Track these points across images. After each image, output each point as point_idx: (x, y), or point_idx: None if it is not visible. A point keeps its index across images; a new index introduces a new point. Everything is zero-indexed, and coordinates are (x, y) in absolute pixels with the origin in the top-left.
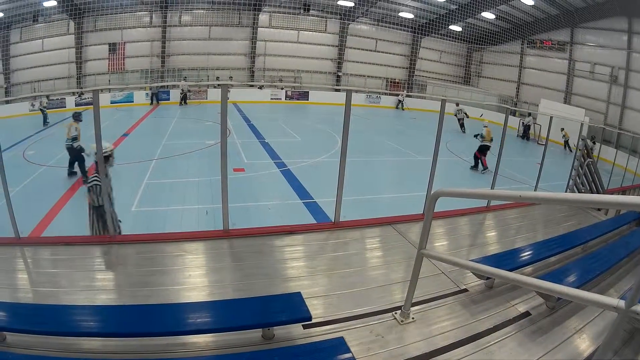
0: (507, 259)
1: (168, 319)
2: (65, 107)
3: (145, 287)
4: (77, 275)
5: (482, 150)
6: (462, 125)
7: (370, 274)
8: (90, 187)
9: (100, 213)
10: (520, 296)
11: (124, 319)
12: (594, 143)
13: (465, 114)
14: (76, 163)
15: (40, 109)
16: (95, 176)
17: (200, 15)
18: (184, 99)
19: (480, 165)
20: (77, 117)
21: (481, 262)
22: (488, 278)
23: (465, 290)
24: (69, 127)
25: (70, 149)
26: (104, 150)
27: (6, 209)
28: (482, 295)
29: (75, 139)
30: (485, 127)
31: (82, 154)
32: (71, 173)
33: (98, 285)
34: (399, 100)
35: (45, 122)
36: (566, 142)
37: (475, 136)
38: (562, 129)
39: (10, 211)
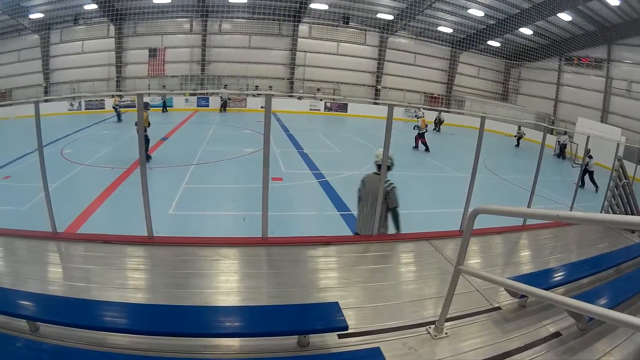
0: (540, 278)
1: (202, 320)
2: (104, 108)
3: (181, 289)
4: (112, 272)
5: (422, 136)
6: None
7: (405, 288)
8: None
9: None
10: (551, 316)
11: (156, 318)
12: (590, 157)
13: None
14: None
15: (114, 107)
16: None
17: (240, 24)
18: (223, 106)
19: (421, 146)
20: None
21: (515, 280)
22: (522, 296)
23: (499, 308)
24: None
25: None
26: None
27: (44, 203)
28: (514, 314)
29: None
30: (419, 118)
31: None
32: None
33: (132, 284)
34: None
35: (119, 119)
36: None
37: (414, 128)
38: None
39: (48, 206)
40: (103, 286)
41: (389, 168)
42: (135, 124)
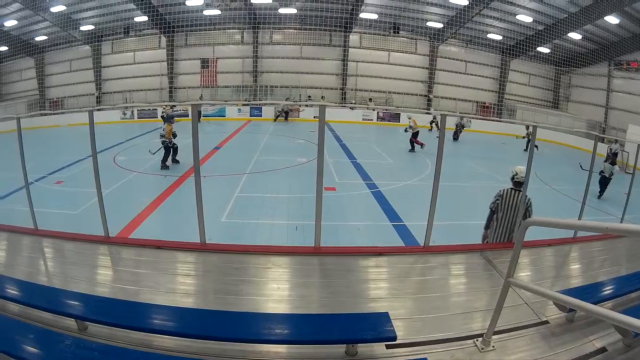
0: (588, 292)
1: (251, 326)
2: (156, 117)
3: (231, 295)
4: (163, 277)
5: (415, 136)
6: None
7: (454, 300)
8: None
9: None
10: (598, 331)
11: (206, 323)
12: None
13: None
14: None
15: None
16: None
17: (291, 34)
18: (285, 116)
19: (417, 147)
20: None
21: (564, 294)
22: (570, 310)
23: (546, 322)
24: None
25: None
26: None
27: (95, 208)
28: (561, 328)
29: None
30: (409, 118)
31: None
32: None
33: (183, 288)
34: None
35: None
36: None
37: (406, 130)
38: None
39: (101, 211)
40: (153, 290)
41: (520, 184)
42: (162, 136)
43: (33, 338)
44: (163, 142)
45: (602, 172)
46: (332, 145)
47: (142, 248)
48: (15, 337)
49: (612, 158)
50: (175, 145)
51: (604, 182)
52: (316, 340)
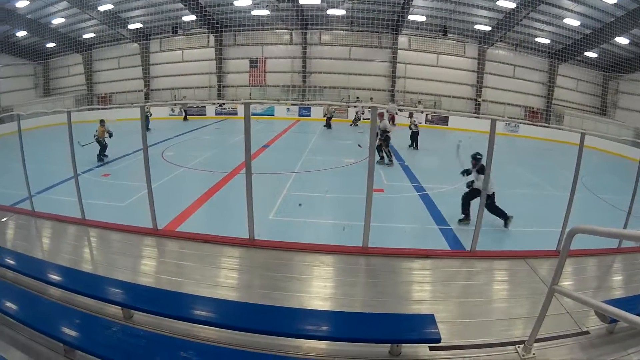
0: (632, 304)
1: (296, 321)
2: (205, 114)
3: (277, 291)
4: (210, 270)
5: (386, 140)
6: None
7: (497, 306)
8: None
9: None
10: (637, 344)
11: (251, 316)
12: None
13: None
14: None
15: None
16: None
17: (340, 35)
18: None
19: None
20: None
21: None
22: (611, 321)
23: (587, 332)
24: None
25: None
26: None
27: (141, 201)
28: (601, 339)
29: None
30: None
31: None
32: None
33: (229, 282)
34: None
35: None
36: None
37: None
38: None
39: (151, 205)
40: (199, 282)
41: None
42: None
43: (78, 323)
44: (95, 137)
45: None
46: None
47: (189, 241)
48: (59, 320)
49: None
50: (105, 144)
51: None
52: (361, 338)
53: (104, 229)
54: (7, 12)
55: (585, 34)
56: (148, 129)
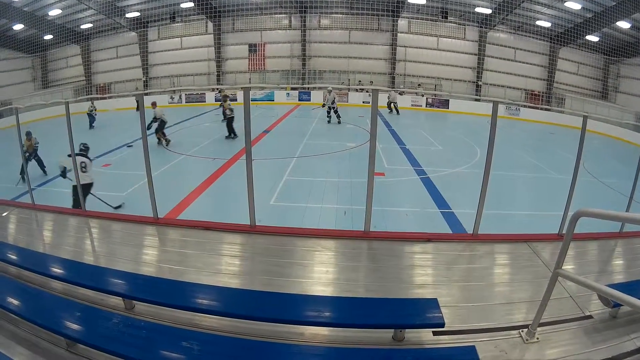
0: (634, 288)
1: (298, 308)
2: (205, 101)
3: (279, 277)
4: (211, 258)
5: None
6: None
7: (500, 290)
8: None
9: None
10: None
11: (252, 303)
12: None
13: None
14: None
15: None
16: None
17: (340, 19)
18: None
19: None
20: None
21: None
22: (614, 306)
23: (590, 317)
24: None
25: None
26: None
27: (142, 190)
28: (604, 324)
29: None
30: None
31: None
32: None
33: (230, 269)
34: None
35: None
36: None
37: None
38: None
39: (151, 193)
40: (200, 270)
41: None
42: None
43: (79, 316)
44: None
45: None
46: (382, 130)
47: (190, 229)
48: (60, 314)
49: None
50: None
51: None
52: (364, 324)
53: (105, 220)
54: (3, 6)
55: (586, 17)
56: (92, 127)
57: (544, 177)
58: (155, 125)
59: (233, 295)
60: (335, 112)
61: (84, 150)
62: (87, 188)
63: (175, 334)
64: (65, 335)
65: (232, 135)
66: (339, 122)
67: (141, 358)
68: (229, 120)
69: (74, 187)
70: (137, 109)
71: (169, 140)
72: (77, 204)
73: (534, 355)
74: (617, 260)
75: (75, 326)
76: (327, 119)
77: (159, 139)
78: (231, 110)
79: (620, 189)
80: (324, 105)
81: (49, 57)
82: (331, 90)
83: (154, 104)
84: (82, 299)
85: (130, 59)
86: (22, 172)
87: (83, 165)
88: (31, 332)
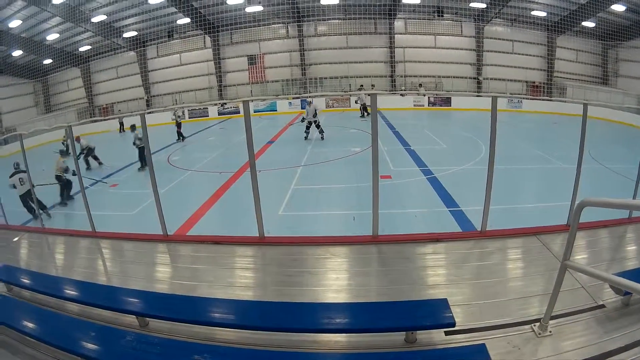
0: None
1: (312, 316)
2: (208, 116)
3: (291, 287)
4: (222, 271)
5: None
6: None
7: (511, 285)
8: None
9: None
10: None
11: (267, 314)
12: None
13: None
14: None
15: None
16: None
17: (336, 24)
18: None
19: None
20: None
21: (620, 276)
22: (626, 294)
23: (603, 306)
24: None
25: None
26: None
27: (151, 208)
28: (617, 312)
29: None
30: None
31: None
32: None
33: (242, 282)
34: (362, 105)
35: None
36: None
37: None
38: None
39: (159, 211)
40: (212, 284)
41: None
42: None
43: (94, 335)
44: (58, 177)
45: None
46: (385, 133)
47: (200, 244)
48: (76, 334)
49: None
50: (67, 179)
51: None
52: (376, 328)
53: (116, 240)
54: (1, 33)
55: (580, 3)
56: (67, 153)
57: (551, 168)
58: (82, 156)
59: (246, 307)
60: (318, 126)
61: (18, 167)
62: (27, 194)
63: (189, 349)
64: (83, 356)
65: (144, 166)
66: (322, 139)
67: None
68: (140, 150)
69: (20, 197)
70: (120, 130)
71: (102, 163)
72: (30, 210)
73: (547, 348)
74: (629, 247)
75: (91, 346)
76: (305, 134)
77: (100, 163)
78: (140, 139)
79: (628, 174)
80: (303, 120)
81: (50, 81)
82: (311, 102)
83: (77, 138)
84: (97, 319)
85: (130, 79)
86: (62, 194)
87: (21, 179)
88: (50, 354)
